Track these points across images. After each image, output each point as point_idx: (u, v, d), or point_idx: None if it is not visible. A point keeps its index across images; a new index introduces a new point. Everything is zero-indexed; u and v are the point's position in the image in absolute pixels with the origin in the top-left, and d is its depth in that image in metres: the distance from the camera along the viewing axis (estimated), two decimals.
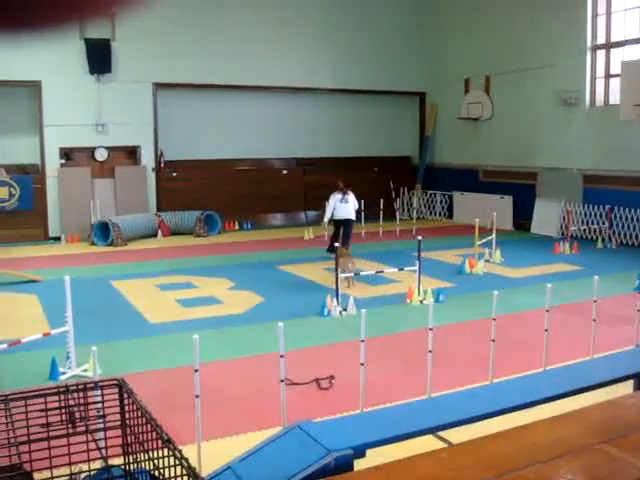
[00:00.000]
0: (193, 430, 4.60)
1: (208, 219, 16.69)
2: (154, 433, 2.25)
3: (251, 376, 6.54)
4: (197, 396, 4.56)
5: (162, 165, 17.53)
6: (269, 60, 18.42)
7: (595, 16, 16.01)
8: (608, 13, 15.82)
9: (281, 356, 4.91)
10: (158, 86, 17.22)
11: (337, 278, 9.01)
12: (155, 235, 16.17)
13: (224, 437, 5.12)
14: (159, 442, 2.26)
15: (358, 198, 13.24)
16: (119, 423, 2.49)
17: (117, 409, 2.54)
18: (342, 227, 12.86)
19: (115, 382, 2.63)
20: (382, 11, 20.09)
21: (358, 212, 13.68)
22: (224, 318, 8.80)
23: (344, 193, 12.80)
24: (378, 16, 20.05)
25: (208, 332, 7.89)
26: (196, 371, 4.56)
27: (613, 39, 15.80)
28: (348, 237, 12.83)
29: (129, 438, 2.55)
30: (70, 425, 2.61)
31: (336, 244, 10.20)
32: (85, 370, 6.47)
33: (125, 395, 2.51)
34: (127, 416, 2.47)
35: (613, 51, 15.85)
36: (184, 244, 15.31)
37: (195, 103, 18.21)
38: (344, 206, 12.78)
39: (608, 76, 15.96)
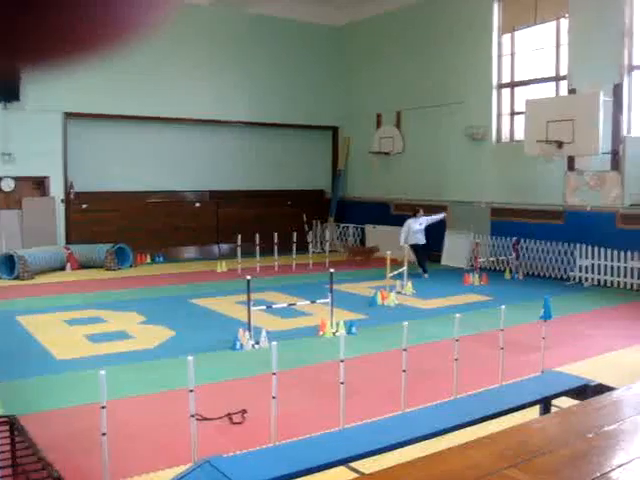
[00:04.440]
0: (101, 469, 4.43)
1: (119, 252, 16.30)
2: (45, 472, 2.14)
3: (162, 412, 6.37)
4: (104, 434, 4.40)
5: (72, 196, 17.09)
6: (183, 92, 18.33)
7: (500, 56, 16.67)
8: (512, 54, 16.51)
9: (190, 390, 4.80)
10: (68, 116, 16.86)
11: (249, 311, 8.93)
12: (63, 268, 15.68)
13: (132, 476, 4.95)
14: None
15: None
16: (10, 462, 2.36)
17: (8, 447, 2.41)
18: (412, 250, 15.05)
19: (6, 420, 2.50)
20: (297, 47, 20.37)
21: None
22: (134, 353, 8.58)
23: (415, 218, 14.93)
24: (293, 52, 20.31)
25: (118, 368, 7.67)
26: (103, 408, 4.41)
27: (517, 78, 16.47)
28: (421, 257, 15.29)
29: (20, 477, 2.42)
30: None
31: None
32: None
33: (16, 433, 2.39)
34: (18, 454, 2.34)
35: (517, 89, 16.51)
36: (94, 278, 14.89)
37: (107, 134, 17.90)
38: (415, 229, 14.86)
39: (513, 113, 16.59)
